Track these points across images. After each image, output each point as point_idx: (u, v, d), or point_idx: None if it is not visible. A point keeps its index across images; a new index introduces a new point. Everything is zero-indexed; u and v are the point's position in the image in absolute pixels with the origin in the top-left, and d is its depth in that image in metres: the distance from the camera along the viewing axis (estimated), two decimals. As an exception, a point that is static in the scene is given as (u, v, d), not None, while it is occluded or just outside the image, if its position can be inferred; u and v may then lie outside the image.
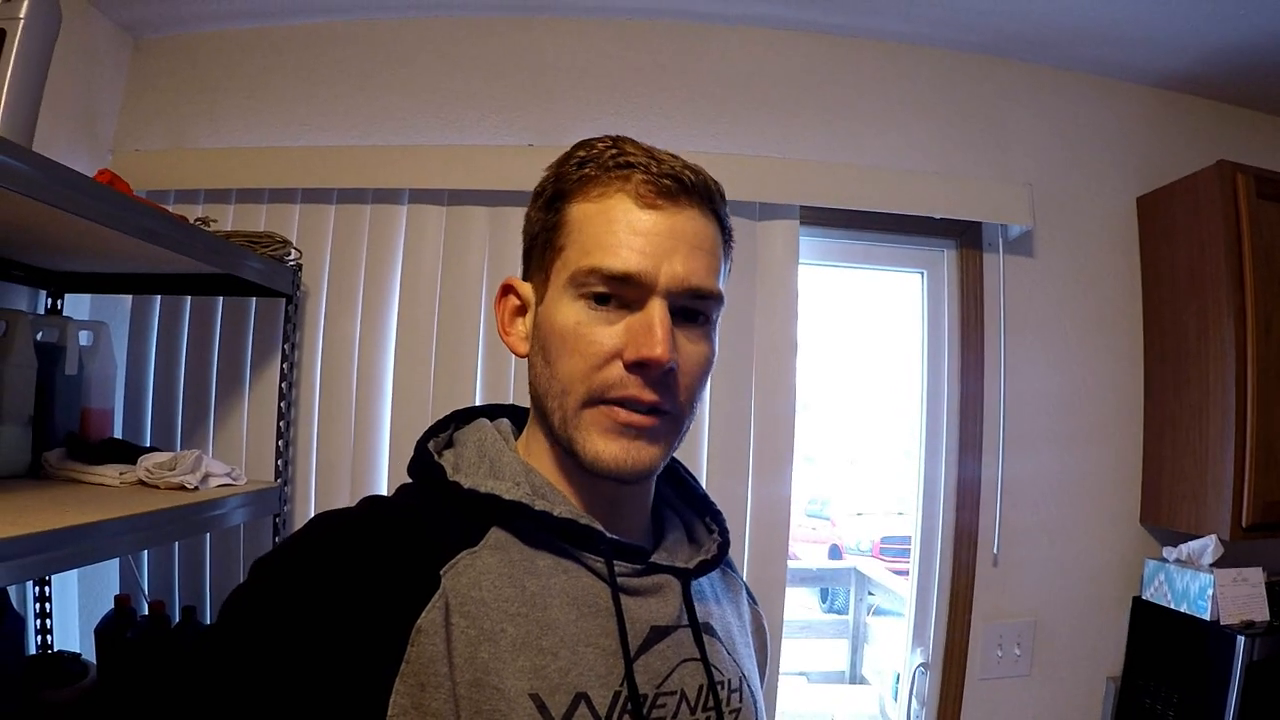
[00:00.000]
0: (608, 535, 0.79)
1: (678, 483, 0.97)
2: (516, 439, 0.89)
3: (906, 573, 2.31)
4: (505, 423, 0.90)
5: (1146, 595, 2.08)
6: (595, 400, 0.76)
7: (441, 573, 0.72)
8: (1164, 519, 2.11)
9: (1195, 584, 1.92)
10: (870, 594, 4.13)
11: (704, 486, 0.97)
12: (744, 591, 1.02)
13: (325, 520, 0.78)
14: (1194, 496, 2.01)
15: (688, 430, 0.83)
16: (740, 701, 0.85)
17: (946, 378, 2.17)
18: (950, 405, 2.16)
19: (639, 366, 0.74)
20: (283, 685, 0.66)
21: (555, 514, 0.77)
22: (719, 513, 0.96)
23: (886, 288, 2.37)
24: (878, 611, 4.15)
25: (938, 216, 2.09)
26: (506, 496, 0.77)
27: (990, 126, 2.23)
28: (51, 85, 1.25)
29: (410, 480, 0.85)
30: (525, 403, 0.89)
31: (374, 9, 2.10)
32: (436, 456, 0.83)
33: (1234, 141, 2.28)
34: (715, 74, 2.15)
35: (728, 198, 2.09)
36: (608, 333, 0.75)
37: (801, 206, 2.06)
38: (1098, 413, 2.20)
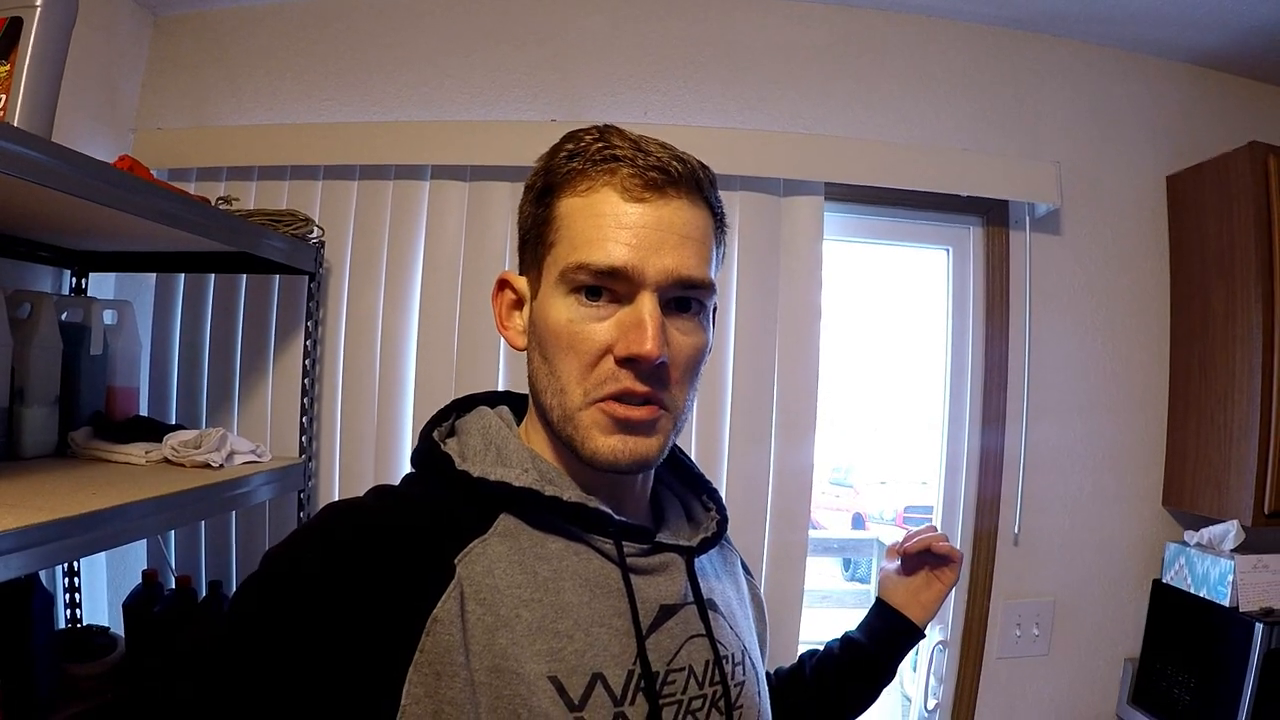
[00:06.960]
0: (616, 517, 0.81)
1: (674, 464, 0.99)
2: (518, 425, 0.90)
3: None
4: (505, 410, 0.91)
5: (1166, 579, 2.08)
6: (592, 401, 0.77)
7: (456, 561, 0.73)
8: (1186, 502, 2.10)
9: (1215, 569, 1.91)
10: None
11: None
12: (739, 564, 1.06)
13: (336, 510, 0.79)
14: (1216, 481, 1.99)
15: (685, 422, 0.84)
16: (744, 674, 0.88)
17: (971, 354, 2.16)
18: (974, 380, 2.16)
19: (629, 362, 0.75)
20: (294, 676, 0.67)
21: (565, 499, 0.79)
22: (715, 491, 0.99)
23: (914, 262, 2.35)
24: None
25: (963, 194, 2.06)
26: (517, 483, 0.79)
27: (1019, 103, 2.19)
28: (73, 65, 1.24)
29: (414, 469, 0.87)
30: None
31: (394, -18, 2.08)
32: (441, 446, 0.84)
33: (1268, 122, 2.23)
34: (742, 48, 2.11)
35: (752, 174, 2.08)
36: (599, 329, 0.77)
37: (826, 183, 2.03)
38: (1123, 392, 2.19)
